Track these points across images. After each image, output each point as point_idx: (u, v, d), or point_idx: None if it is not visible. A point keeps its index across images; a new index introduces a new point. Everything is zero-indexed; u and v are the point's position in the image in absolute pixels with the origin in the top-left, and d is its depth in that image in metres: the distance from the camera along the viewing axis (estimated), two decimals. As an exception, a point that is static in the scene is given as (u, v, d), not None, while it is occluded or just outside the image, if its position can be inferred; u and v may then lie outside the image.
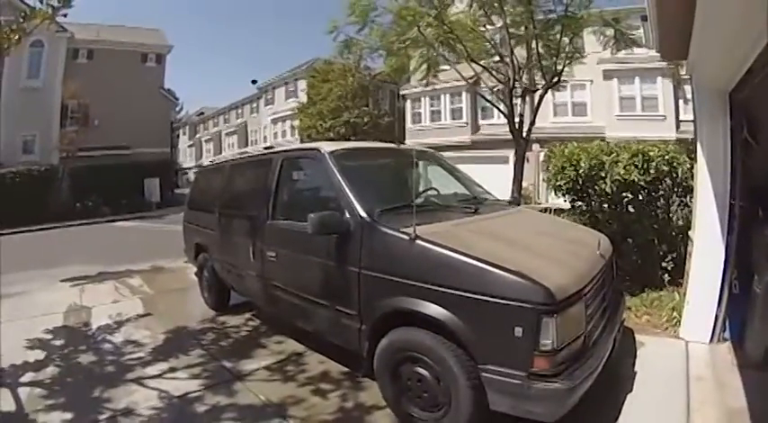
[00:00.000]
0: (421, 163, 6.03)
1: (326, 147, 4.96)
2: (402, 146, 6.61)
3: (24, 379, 5.48)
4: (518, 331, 3.05)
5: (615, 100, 22.80)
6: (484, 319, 3.20)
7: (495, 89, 13.94)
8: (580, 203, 7.52)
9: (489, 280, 3.20)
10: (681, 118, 21.19)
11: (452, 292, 3.30)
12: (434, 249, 3.50)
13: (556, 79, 11.42)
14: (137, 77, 34.24)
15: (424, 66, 12.78)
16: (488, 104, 22.77)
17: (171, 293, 9.31)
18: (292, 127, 42.59)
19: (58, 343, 6.68)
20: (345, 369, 5.12)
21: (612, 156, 6.91)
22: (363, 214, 4.08)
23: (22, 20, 6.08)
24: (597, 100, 23.42)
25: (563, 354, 3.13)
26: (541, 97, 11.98)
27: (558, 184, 7.45)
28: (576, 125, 22.57)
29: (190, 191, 9.26)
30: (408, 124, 31.09)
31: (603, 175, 6.87)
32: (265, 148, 6.78)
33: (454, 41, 11.37)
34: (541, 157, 20.67)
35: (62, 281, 10.72)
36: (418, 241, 3.58)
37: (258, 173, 6.04)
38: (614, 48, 11.83)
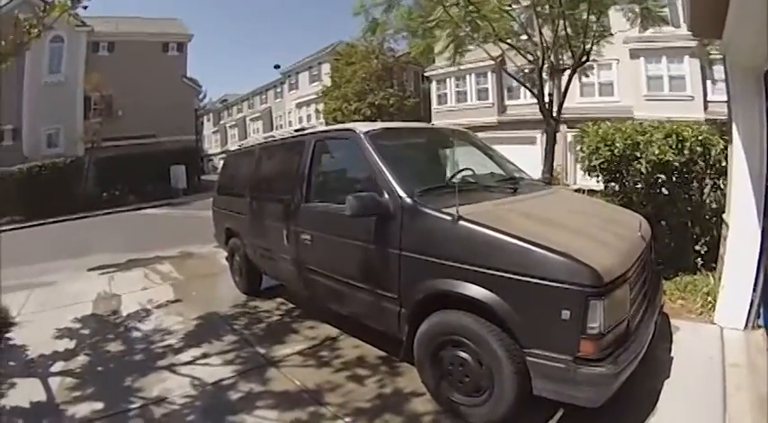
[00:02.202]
0: (456, 142, 6.05)
1: (361, 127, 4.88)
2: (436, 125, 6.49)
3: (54, 369, 5.46)
4: (565, 314, 3.00)
5: (642, 80, 22.06)
6: (530, 301, 3.15)
7: (522, 69, 13.83)
8: (613, 184, 7.34)
9: (536, 261, 3.13)
10: (708, 99, 20.35)
11: (497, 273, 3.24)
12: (478, 230, 3.45)
13: (584, 58, 11.30)
14: (159, 67, 34.49)
15: (451, 46, 12.69)
16: (515, 84, 23.18)
17: (201, 279, 9.27)
18: (317, 111, 42.58)
19: (87, 332, 6.66)
20: (381, 353, 5.04)
21: (647, 135, 6.77)
22: (403, 195, 4.01)
23: (42, 13, 6.21)
24: (624, 80, 22.68)
25: (608, 338, 3.07)
26: (570, 77, 11.74)
27: (592, 163, 7.24)
28: (604, 105, 21.85)
29: (219, 176, 9.19)
30: (434, 105, 30.61)
31: (638, 155, 6.73)
32: (296, 131, 6.64)
33: (481, 21, 11.27)
34: (569, 138, 20.79)
35: (90, 270, 10.78)
36: (461, 222, 3.53)
37: (290, 155, 6.00)
38: (642, 26, 11.60)
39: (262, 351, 5.48)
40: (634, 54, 21.87)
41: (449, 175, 4.50)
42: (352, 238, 4.49)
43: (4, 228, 22.70)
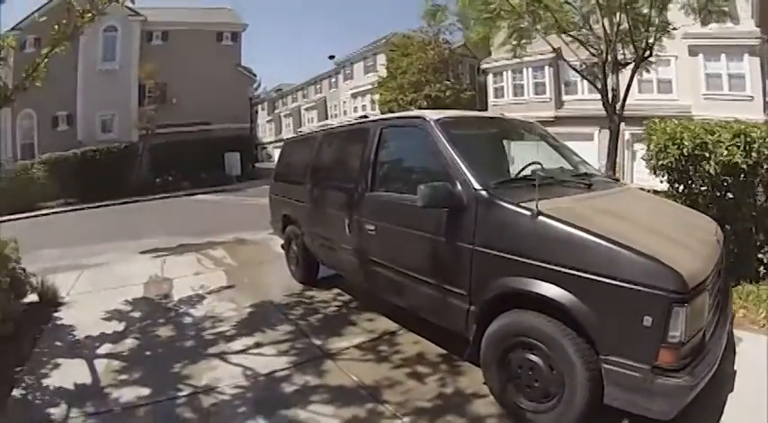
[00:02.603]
0: (526, 134, 5.94)
1: (431, 114, 4.75)
2: (506, 116, 6.29)
3: (101, 351, 5.38)
4: (647, 320, 2.85)
5: (701, 77, 21.45)
6: (610, 304, 3.01)
7: (582, 63, 13.51)
8: (678, 185, 7.09)
9: (620, 262, 3.00)
10: None
11: (578, 273, 3.11)
12: (559, 227, 3.32)
13: (648, 53, 11.11)
14: (213, 56, 35.06)
15: (514, 37, 12.66)
16: (572, 79, 23.75)
17: (255, 266, 9.17)
18: (372, 101, 42.68)
19: (137, 315, 6.58)
20: (442, 351, 4.85)
21: (715, 135, 6.49)
22: (478, 187, 3.87)
23: None
24: (683, 77, 22.08)
25: (687, 348, 2.94)
26: (634, 71, 11.58)
27: (660, 162, 6.96)
28: (662, 103, 21.17)
29: (276, 163, 9.11)
30: (491, 98, 30.38)
31: (707, 155, 6.46)
32: (359, 118, 6.44)
33: (543, 11, 11.20)
34: (627, 136, 19.95)
35: (142, 252, 10.84)
36: (541, 218, 3.40)
37: (353, 143, 5.95)
38: (703, 21, 11.47)
39: (318, 343, 5.32)
40: (693, 51, 21.21)
41: (519, 167, 4.40)
42: (420, 230, 4.37)
43: (57, 209, 23.47)
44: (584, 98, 23.93)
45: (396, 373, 4.52)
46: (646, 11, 10.77)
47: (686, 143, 6.64)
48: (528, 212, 3.45)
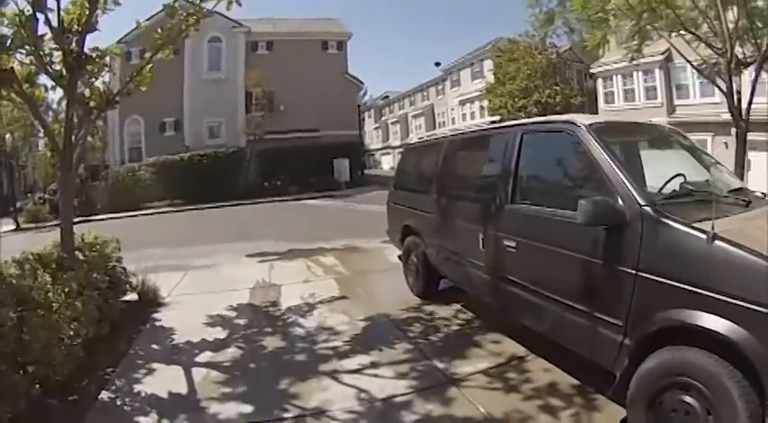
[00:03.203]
0: (675, 143, 5.38)
1: (581, 119, 4.40)
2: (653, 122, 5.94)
3: (200, 359, 5.17)
4: None
5: None
6: None
7: (703, 62, 12.88)
8: None
9: None
10: None
11: (759, 309, 2.71)
12: (740, 254, 2.92)
13: None
14: (319, 64, 36.29)
15: (636, 37, 12.38)
16: (684, 83, 23.73)
17: (368, 275, 8.80)
18: (481, 108, 43.31)
19: (241, 322, 6.32)
20: (575, 381, 4.42)
21: None
22: (644, 203, 3.48)
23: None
24: None
25: None
26: (758, 71, 10.91)
27: None
28: None
29: (396, 170, 8.93)
30: (601, 104, 30.04)
31: None
32: (491, 123, 6.02)
33: (663, 9, 10.86)
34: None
35: (249, 256, 10.74)
36: (717, 242, 3.00)
37: (488, 150, 5.82)
38: None
39: (440, 366, 4.91)
40: None
41: (665, 178, 3.95)
42: (571, 250, 4.01)
43: (162, 209, 24.63)
44: (697, 102, 23.67)
45: (526, 405, 4.10)
46: (761, 3, 10.44)
47: None
48: (703, 235, 3.07)
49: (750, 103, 10.82)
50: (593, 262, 3.76)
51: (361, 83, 40.77)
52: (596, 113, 28.37)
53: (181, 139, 31.88)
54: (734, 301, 2.83)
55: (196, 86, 32.48)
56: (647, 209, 3.43)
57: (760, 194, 4.77)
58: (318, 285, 8.05)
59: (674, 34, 11.96)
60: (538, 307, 4.42)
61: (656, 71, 26.30)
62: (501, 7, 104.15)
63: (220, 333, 5.83)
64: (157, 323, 6.28)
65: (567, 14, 12.29)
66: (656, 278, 3.28)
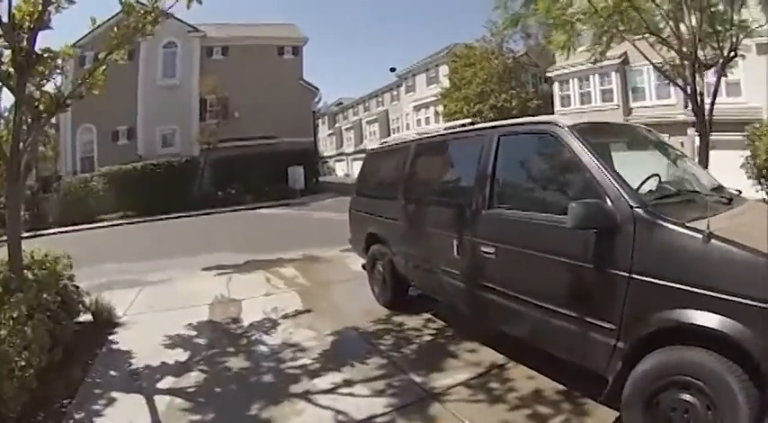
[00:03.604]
0: (653, 143, 5.43)
1: (563, 120, 4.38)
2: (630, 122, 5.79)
3: (162, 385, 4.86)
4: None
5: None
6: None
7: (663, 66, 13.41)
8: None
9: None
10: None
11: (758, 305, 2.79)
12: (737, 251, 3.00)
13: (733, 53, 11.34)
14: (274, 70, 35.81)
15: (603, 40, 12.87)
16: (640, 85, 25.50)
17: (331, 286, 8.52)
18: (436, 113, 43.45)
19: (202, 341, 6.00)
20: (560, 386, 4.33)
21: None
22: (636, 205, 3.48)
23: None
24: (751, 78, 21.26)
25: None
26: (719, 73, 11.69)
27: None
28: (730, 107, 20.46)
29: (359, 176, 8.67)
30: (557, 107, 30.70)
31: None
32: (463, 125, 6.12)
33: (631, 12, 11.30)
34: (696, 142, 19.53)
35: (205, 269, 10.38)
36: (714, 241, 3.06)
37: (462, 153, 5.64)
38: None
39: (418, 379, 4.69)
40: (762, 49, 20.64)
41: (641, 178, 3.92)
42: (558, 254, 3.93)
43: (116, 221, 23.91)
44: (653, 104, 24.91)
45: (514, 415, 3.98)
46: (721, 7, 10.95)
47: None
48: (698, 235, 3.11)
49: (713, 103, 11.32)
50: (582, 266, 3.71)
51: (317, 89, 40.62)
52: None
53: (134, 147, 31.01)
54: (731, 297, 2.87)
55: (150, 93, 31.62)
56: (639, 210, 3.42)
57: (735, 192, 4.83)
58: (280, 299, 7.77)
59: (636, 38, 12.30)
60: (521, 314, 4.33)
61: (613, 74, 27.16)
62: (457, 14, 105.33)
63: (181, 355, 5.50)
64: (114, 346, 5.91)
65: (532, 17, 12.56)
66: (651, 280, 3.27)
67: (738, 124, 15.46)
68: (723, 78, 17.62)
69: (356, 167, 62.91)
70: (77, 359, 5.38)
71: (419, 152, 6.52)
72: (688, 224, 3.26)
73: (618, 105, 27.11)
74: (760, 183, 7.24)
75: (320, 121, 66.83)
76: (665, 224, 3.32)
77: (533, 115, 26.92)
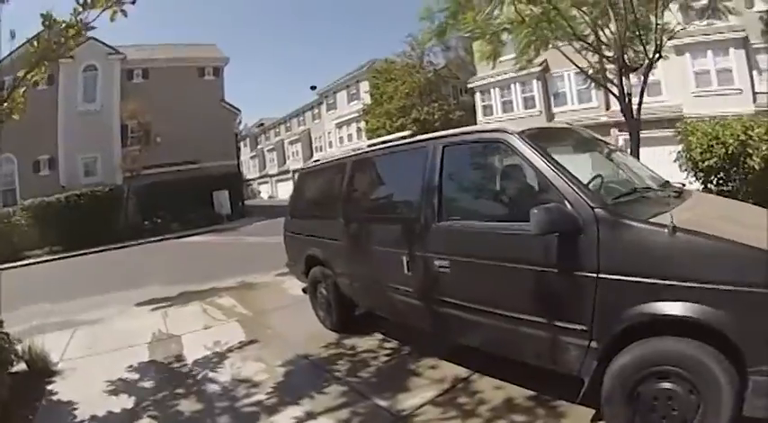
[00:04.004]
0: (594, 145, 5.50)
1: (511, 127, 4.41)
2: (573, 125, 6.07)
3: None
4: None
5: (690, 76, 22.79)
6: (762, 315, 2.88)
7: (591, 70, 13.74)
8: (720, 184, 7.83)
9: None
10: (756, 90, 21.43)
11: (728, 288, 2.95)
12: (703, 241, 3.15)
13: (658, 56, 11.57)
14: (196, 92, 34.81)
15: (532, 47, 12.79)
16: (561, 91, 26.95)
17: (273, 313, 8.24)
18: (359, 129, 44.02)
19: (147, 384, 5.63)
20: (529, 392, 4.29)
21: (756, 131, 7.22)
22: (596, 205, 3.52)
23: (81, 8, 5.62)
24: (670, 77, 22.92)
25: None
26: (646, 74, 11.93)
27: (706, 163, 7.73)
28: (652, 106, 21.30)
29: (292, 197, 8.48)
30: (479, 117, 31.37)
31: (750, 151, 7.10)
32: (401, 138, 6.00)
33: (560, 20, 11.44)
34: (620, 141, 20.41)
35: (139, 304, 9.92)
36: (680, 234, 3.18)
37: (403, 167, 5.47)
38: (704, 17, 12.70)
39: (383, 403, 4.52)
40: (679, 50, 21.88)
41: (606, 179, 4.15)
42: (519, 262, 3.89)
43: (42, 258, 22.62)
44: (575, 108, 26.16)
45: None
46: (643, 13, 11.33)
47: (730, 141, 7.25)
48: (663, 229, 3.19)
49: (640, 103, 11.67)
50: (546, 271, 3.70)
51: (238, 110, 39.89)
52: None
53: (56, 178, 29.33)
54: (702, 285, 2.99)
55: (71, 120, 29.99)
56: (601, 211, 3.45)
57: (679, 186, 5.02)
58: (222, 331, 7.45)
59: (562, 44, 12.59)
60: (483, 325, 4.26)
61: (534, 82, 28.03)
62: (375, 31, 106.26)
63: (127, 401, 5.12)
64: (54, 397, 5.46)
65: (461, 27, 12.58)
66: (620, 277, 3.31)
67: (661, 122, 16.14)
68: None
69: (281, 189, 62.41)
70: (17, 416, 4.97)
71: (356, 168, 6.37)
72: (651, 220, 3.35)
73: (540, 111, 27.94)
74: (695, 175, 8.06)
75: (242, 143, 66.45)
76: (628, 222, 3.37)
77: (456, 127, 27.89)
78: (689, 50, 22.13)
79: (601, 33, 11.74)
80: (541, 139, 4.18)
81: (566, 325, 3.61)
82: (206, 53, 38.23)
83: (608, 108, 24.29)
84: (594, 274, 3.41)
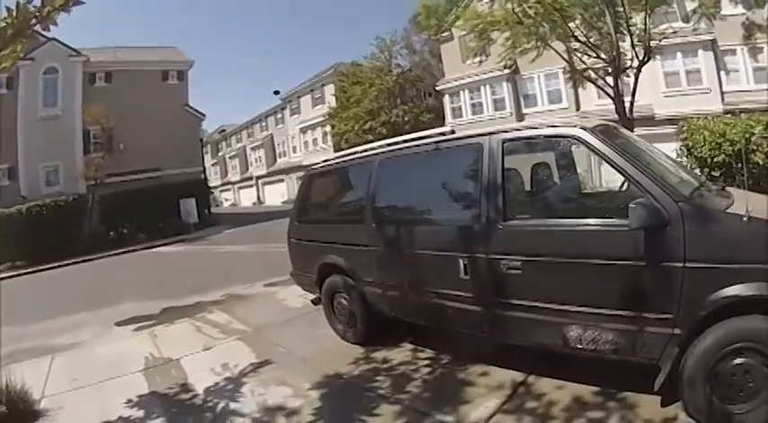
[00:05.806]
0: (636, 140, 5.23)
1: (579, 122, 4.43)
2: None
3: None
4: None
5: (660, 77, 23.29)
6: None
7: (587, 69, 14.48)
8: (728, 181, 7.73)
9: None
10: (724, 89, 22.36)
11: None
12: None
13: (647, 57, 12.45)
14: (160, 96, 33.73)
15: (533, 43, 13.19)
16: (531, 92, 27.68)
17: (277, 328, 7.32)
18: (325, 134, 43.55)
19: None
20: (594, 387, 4.15)
21: (759, 128, 7.40)
22: (679, 199, 3.65)
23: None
24: (641, 78, 23.23)
25: None
26: (637, 75, 12.66)
27: (715, 160, 7.74)
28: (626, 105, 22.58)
29: (299, 201, 7.63)
30: (448, 119, 31.32)
31: (755, 148, 7.27)
32: (441, 134, 5.46)
33: (559, 18, 12.01)
34: None
35: (119, 324, 8.91)
36: (754, 220, 3.38)
37: (452, 164, 5.21)
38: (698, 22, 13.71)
39: (449, 419, 4.08)
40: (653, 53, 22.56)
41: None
42: (608, 258, 3.85)
43: (4, 275, 20.99)
44: (545, 109, 26.74)
45: None
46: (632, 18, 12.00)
47: (737, 138, 7.34)
48: (742, 218, 3.40)
49: (632, 102, 12.27)
50: (635, 265, 3.74)
51: (203, 115, 38.67)
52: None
53: (17, 188, 27.67)
54: None
55: (32, 125, 28.17)
56: (684, 204, 3.58)
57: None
58: (225, 351, 6.53)
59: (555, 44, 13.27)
60: (559, 325, 4.13)
61: (504, 84, 28.50)
62: (337, 32, 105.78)
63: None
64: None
65: (459, 24, 13.29)
66: (705, 265, 3.42)
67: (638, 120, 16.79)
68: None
69: (243, 196, 61.42)
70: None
71: (387, 167, 5.82)
72: (728, 211, 3.59)
73: (511, 113, 28.11)
74: (701, 171, 7.94)
75: (203, 150, 65.83)
76: (711, 213, 3.59)
77: (426, 129, 28.63)
78: (659, 52, 21.94)
79: (602, 35, 12.36)
80: (611, 135, 4.27)
81: (653, 315, 3.68)
82: (169, 56, 37.18)
83: (578, 108, 24.98)
84: (681, 264, 3.51)
